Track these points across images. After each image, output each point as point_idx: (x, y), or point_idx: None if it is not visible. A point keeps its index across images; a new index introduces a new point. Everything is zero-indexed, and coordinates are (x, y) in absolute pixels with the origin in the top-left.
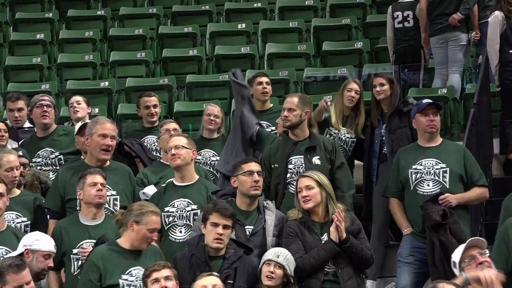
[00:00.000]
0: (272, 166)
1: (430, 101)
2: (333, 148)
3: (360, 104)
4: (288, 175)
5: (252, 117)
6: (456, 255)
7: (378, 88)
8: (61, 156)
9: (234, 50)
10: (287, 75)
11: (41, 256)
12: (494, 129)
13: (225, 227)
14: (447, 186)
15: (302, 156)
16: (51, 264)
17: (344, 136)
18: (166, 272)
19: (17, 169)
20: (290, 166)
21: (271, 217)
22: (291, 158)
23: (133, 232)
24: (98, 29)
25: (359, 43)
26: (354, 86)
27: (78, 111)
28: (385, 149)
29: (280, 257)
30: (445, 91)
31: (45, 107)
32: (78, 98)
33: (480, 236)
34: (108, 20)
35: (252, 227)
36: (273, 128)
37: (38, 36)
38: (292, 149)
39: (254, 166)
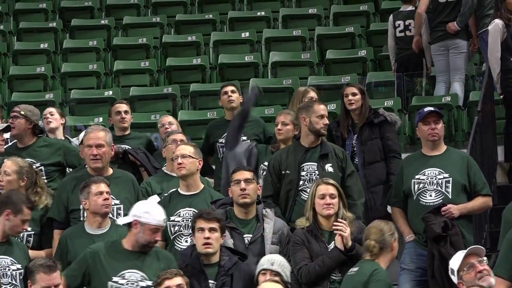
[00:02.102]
0: (283, 172)
1: (432, 108)
2: (343, 155)
3: None
4: (301, 182)
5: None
6: (454, 263)
7: (350, 98)
8: (42, 167)
9: (237, 59)
10: (291, 84)
11: (148, 230)
12: (498, 136)
13: (211, 230)
14: (450, 197)
15: (315, 163)
16: (159, 238)
17: None
18: (178, 280)
19: (6, 174)
20: (303, 173)
21: (269, 225)
22: (303, 165)
23: (394, 251)
24: (101, 38)
25: (363, 51)
26: (313, 94)
27: (51, 122)
28: (356, 160)
29: (274, 264)
30: (449, 99)
31: (12, 118)
32: (52, 109)
33: (485, 244)
34: (112, 29)
35: (250, 235)
36: (244, 138)
37: (42, 46)
38: (304, 156)
39: (240, 175)
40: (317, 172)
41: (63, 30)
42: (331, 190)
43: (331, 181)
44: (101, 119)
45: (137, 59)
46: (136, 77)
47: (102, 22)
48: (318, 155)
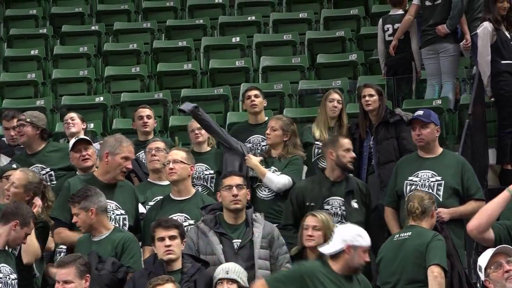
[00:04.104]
0: (307, 204)
1: (421, 113)
2: (367, 191)
3: (342, 114)
4: None
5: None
6: (482, 260)
7: (367, 99)
8: (52, 172)
9: (228, 64)
10: (282, 88)
11: (362, 252)
12: (489, 139)
13: (171, 238)
14: (440, 200)
15: (341, 198)
16: (368, 259)
17: None
18: (169, 286)
19: (14, 187)
20: (328, 207)
21: (258, 229)
22: (328, 199)
23: (433, 219)
24: (92, 44)
25: (353, 55)
26: (336, 96)
27: (72, 127)
28: (373, 161)
29: (229, 273)
30: (440, 102)
31: (19, 127)
32: (72, 114)
33: (475, 245)
34: (103, 35)
35: (240, 240)
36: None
37: (32, 52)
38: (330, 190)
39: (232, 180)
40: (343, 207)
41: (54, 36)
42: (314, 222)
43: (318, 214)
44: (92, 125)
45: (128, 65)
46: (127, 82)
47: (93, 28)
48: (343, 191)
